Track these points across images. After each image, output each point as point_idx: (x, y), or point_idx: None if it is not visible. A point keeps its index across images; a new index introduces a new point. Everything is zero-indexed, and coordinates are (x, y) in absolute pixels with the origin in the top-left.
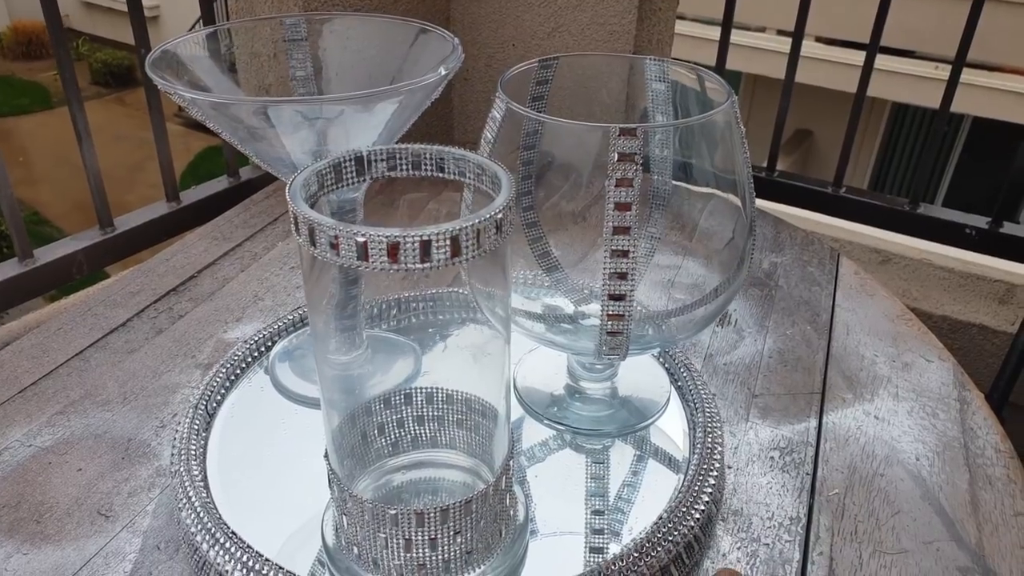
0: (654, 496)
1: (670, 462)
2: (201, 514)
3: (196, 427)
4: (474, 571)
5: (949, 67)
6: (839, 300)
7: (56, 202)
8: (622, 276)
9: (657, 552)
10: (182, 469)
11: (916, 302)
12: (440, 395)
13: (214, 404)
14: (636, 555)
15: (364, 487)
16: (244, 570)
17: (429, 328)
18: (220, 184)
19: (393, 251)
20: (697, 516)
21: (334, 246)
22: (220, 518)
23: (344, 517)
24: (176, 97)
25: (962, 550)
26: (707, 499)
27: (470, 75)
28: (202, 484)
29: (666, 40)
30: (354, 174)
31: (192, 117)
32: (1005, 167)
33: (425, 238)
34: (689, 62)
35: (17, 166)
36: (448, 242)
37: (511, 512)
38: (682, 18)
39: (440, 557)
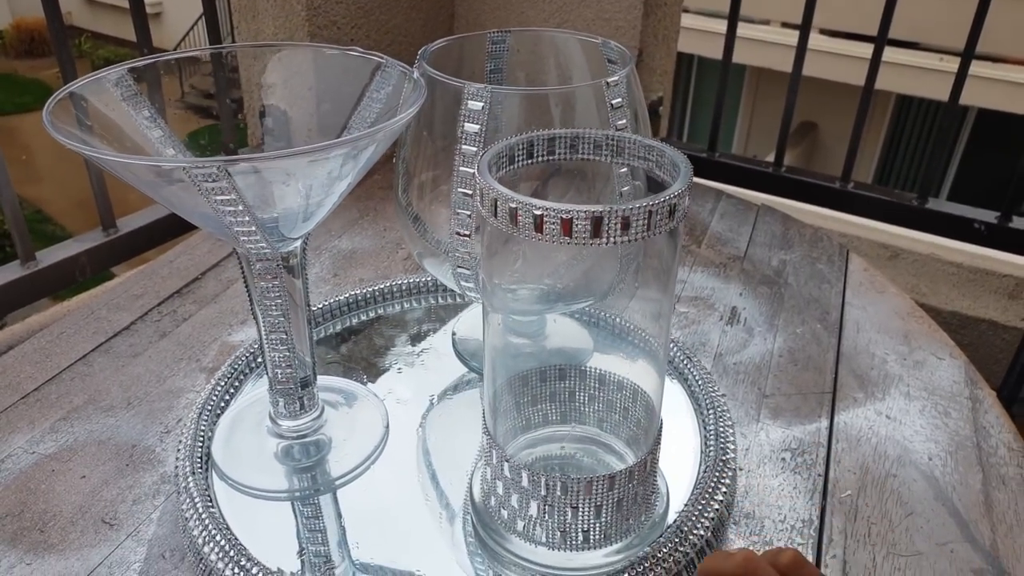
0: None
1: (681, 464)
2: (207, 522)
3: (201, 432)
4: (609, 546)
5: (954, 58)
6: (849, 297)
7: (58, 199)
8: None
9: (670, 557)
10: (187, 476)
11: (925, 298)
12: (593, 374)
13: (219, 409)
14: (650, 560)
15: (511, 454)
16: None
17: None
18: None
19: (568, 225)
20: (709, 520)
21: (513, 218)
22: (226, 526)
23: (498, 481)
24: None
25: (976, 551)
26: (719, 502)
27: None
28: (207, 491)
29: (671, 35)
30: (544, 154)
31: (192, 101)
32: (1011, 159)
33: (597, 214)
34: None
35: (20, 164)
36: (645, 217)
37: (652, 498)
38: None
39: (579, 526)
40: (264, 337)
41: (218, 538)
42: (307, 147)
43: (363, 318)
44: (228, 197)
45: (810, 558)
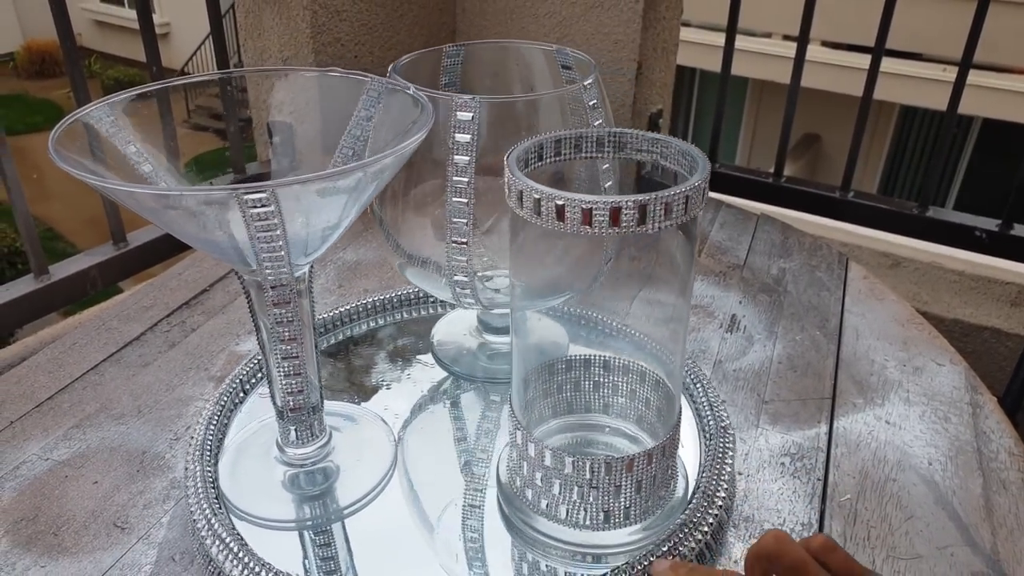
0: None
1: (681, 469)
2: (215, 525)
3: (209, 439)
4: (630, 526)
5: (956, 69)
6: (848, 305)
7: (69, 218)
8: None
9: (668, 560)
10: (196, 481)
11: (927, 306)
12: (617, 363)
13: (227, 416)
14: (648, 563)
15: (538, 437)
16: None
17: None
18: None
19: (615, 216)
20: (709, 523)
21: (559, 214)
22: (234, 529)
23: (524, 463)
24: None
25: (977, 555)
26: (718, 506)
27: None
28: (216, 496)
29: (671, 48)
30: (571, 151)
31: (199, 121)
32: (1016, 168)
33: (615, 205)
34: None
35: (31, 183)
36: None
37: (672, 481)
38: (687, 25)
39: (601, 506)
40: (275, 365)
41: (228, 540)
42: (345, 167)
43: (338, 338)
44: (271, 222)
45: None
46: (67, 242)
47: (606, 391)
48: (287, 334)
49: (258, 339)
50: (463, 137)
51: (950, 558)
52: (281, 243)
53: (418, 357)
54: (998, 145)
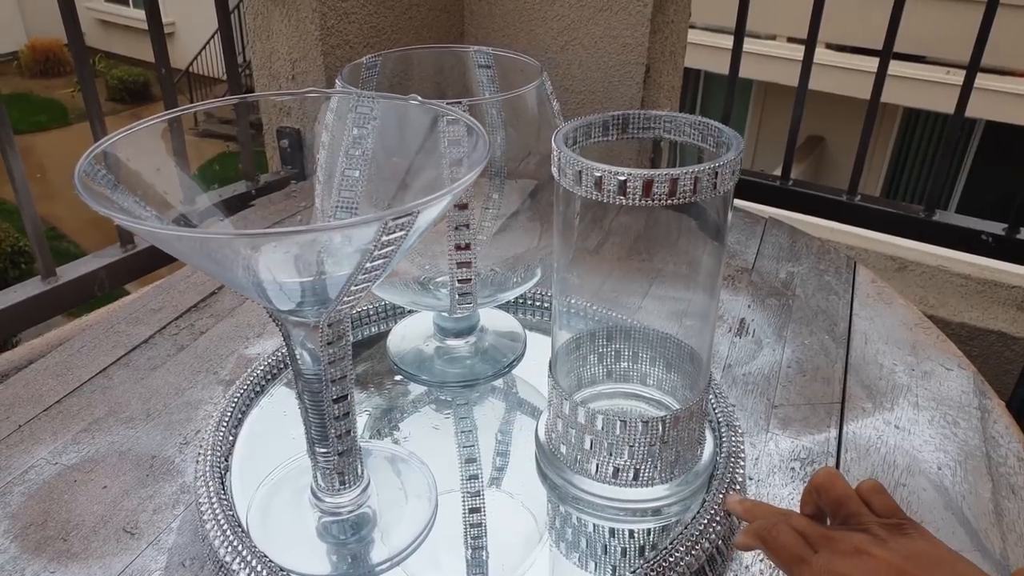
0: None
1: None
2: (226, 531)
3: (219, 443)
4: (659, 485)
5: (960, 72)
6: (856, 309)
7: (73, 218)
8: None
9: (680, 565)
10: (206, 486)
11: (933, 309)
12: (654, 335)
13: (236, 420)
14: (659, 568)
15: (580, 401)
16: None
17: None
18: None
19: (648, 188)
20: (719, 528)
21: (598, 185)
22: (245, 534)
23: (559, 420)
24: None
25: (987, 560)
26: (741, 467)
27: None
28: (226, 500)
29: (679, 51)
30: (618, 131)
31: (208, 128)
32: (1020, 171)
33: (675, 176)
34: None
35: (35, 182)
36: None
37: (699, 447)
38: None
39: (633, 464)
40: (328, 405)
41: (238, 546)
42: (406, 207)
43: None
44: (387, 251)
45: None
46: (71, 242)
47: (641, 362)
48: (338, 373)
49: (296, 384)
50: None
51: None
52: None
53: (382, 376)
54: (1001, 148)
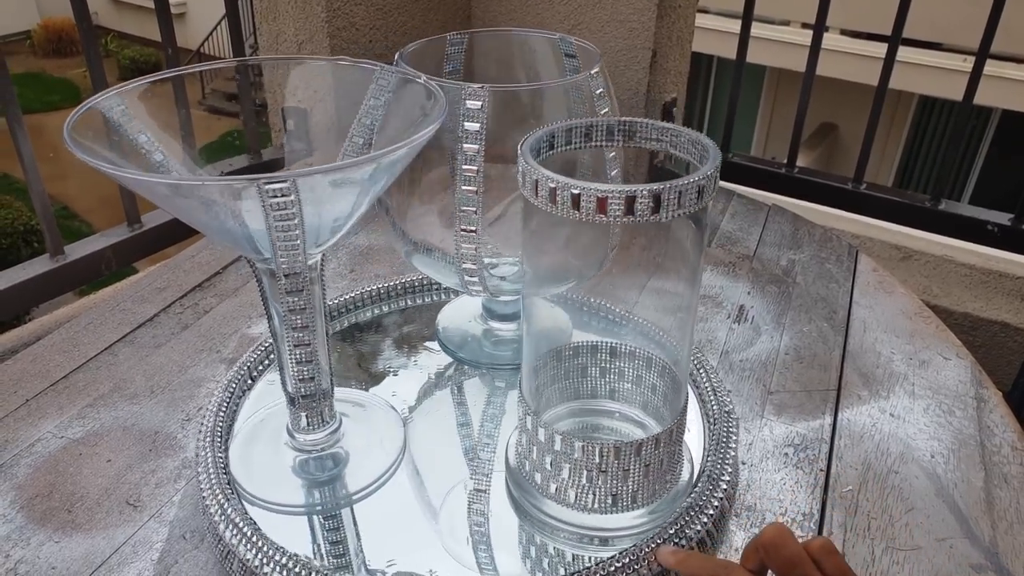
0: None
1: (687, 454)
2: (225, 505)
3: (220, 420)
4: (637, 510)
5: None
6: (856, 297)
7: (84, 197)
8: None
9: (671, 547)
10: (207, 461)
11: (937, 299)
12: (624, 349)
13: (238, 398)
14: (649, 549)
15: (547, 422)
16: (265, 559)
17: (627, 289)
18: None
19: (629, 203)
20: (711, 512)
21: (575, 202)
22: (243, 509)
23: (533, 447)
24: (102, 170)
25: (976, 548)
26: (721, 495)
27: None
28: (226, 475)
29: (686, 36)
30: (582, 140)
31: (215, 103)
32: None
33: (630, 194)
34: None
35: (47, 162)
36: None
37: (678, 466)
38: (705, 12)
39: (608, 489)
40: (287, 352)
41: (237, 520)
42: (359, 159)
43: (344, 325)
44: (290, 211)
45: None
46: (83, 220)
47: (612, 377)
48: (299, 322)
49: (269, 326)
50: (472, 126)
51: (949, 550)
52: (298, 232)
53: (424, 344)
54: (1018, 137)
